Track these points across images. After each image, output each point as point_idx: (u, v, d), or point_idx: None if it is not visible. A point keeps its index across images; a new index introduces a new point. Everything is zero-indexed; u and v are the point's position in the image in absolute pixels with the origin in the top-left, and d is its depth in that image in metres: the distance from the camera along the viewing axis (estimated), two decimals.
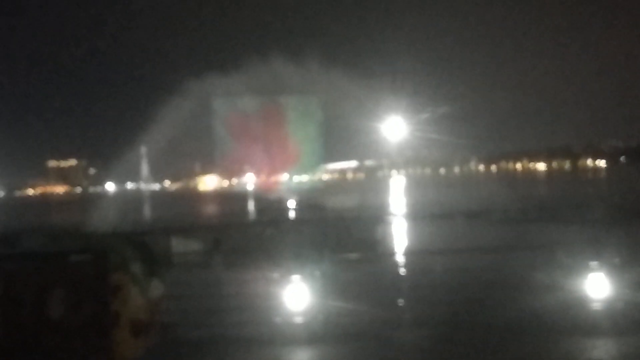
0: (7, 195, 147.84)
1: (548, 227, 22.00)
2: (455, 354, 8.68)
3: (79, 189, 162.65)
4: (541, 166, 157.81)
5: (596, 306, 10.18)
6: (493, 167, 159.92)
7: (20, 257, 5.83)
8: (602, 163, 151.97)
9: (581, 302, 10.21)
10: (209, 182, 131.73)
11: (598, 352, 8.55)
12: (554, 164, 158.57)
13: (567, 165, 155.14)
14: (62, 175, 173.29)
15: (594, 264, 10.73)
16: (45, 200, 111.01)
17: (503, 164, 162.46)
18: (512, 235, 20.78)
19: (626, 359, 8.34)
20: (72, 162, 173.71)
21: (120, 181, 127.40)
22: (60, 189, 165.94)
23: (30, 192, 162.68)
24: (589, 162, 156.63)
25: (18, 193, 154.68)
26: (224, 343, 9.57)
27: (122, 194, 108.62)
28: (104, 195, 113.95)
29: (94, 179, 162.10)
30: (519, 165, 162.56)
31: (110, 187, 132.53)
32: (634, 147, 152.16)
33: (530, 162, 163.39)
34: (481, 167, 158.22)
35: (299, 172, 58.13)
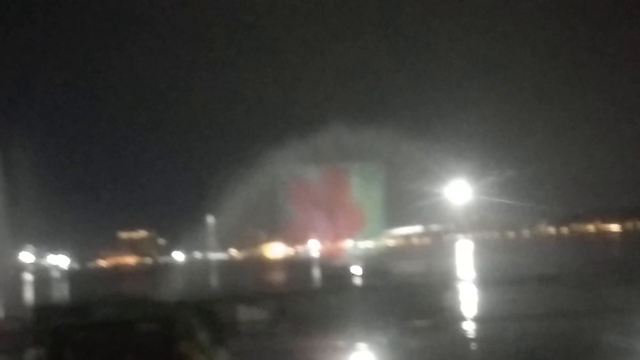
0: (80, 267, 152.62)
1: (623, 290, 20.97)
2: None
3: (148, 259, 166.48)
4: (615, 227, 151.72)
5: None
6: (564, 229, 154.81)
7: (91, 327, 5.95)
8: None
9: None
10: (275, 250, 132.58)
11: None
12: (628, 225, 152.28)
13: None
14: (133, 246, 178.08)
15: None
16: (116, 271, 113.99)
17: (574, 226, 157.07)
18: (585, 300, 19.89)
19: None
20: (142, 233, 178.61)
21: (188, 251, 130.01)
22: (130, 260, 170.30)
23: (102, 263, 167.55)
24: None
25: (90, 264, 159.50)
26: None
27: (189, 264, 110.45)
28: (173, 265, 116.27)
29: (163, 249, 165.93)
30: (591, 227, 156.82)
31: (178, 256, 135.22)
32: None
33: (603, 223, 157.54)
34: (552, 230, 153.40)
35: (364, 238, 57.88)
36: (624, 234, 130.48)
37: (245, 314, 18.60)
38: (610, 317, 14.81)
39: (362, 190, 49.84)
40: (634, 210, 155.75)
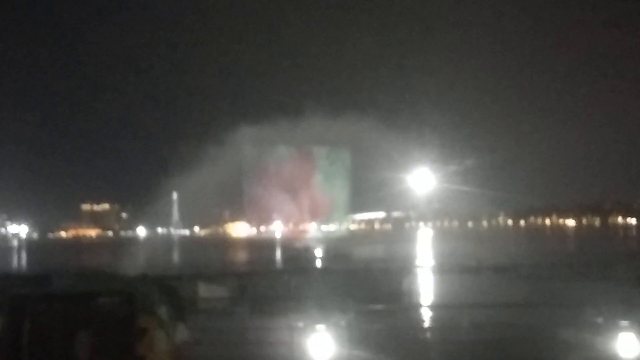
0: (41, 237, 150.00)
1: (576, 284, 21.61)
2: None
3: (110, 233, 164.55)
4: (571, 222, 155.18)
5: None
6: (522, 222, 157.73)
7: (49, 297, 5.96)
8: (632, 221, 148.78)
9: None
10: (238, 229, 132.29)
11: None
12: (584, 221, 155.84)
13: (597, 222, 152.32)
14: (95, 219, 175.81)
15: (623, 323, 10.52)
16: (77, 243, 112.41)
17: (532, 219, 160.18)
18: (539, 291, 20.43)
19: None
20: (105, 206, 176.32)
21: (151, 226, 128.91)
22: (92, 232, 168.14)
23: (63, 234, 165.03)
24: (619, 219, 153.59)
25: (51, 235, 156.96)
26: None
27: (152, 239, 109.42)
28: (135, 239, 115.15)
29: (125, 223, 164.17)
30: (548, 221, 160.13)
31: (141, 231, 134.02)
32: None
33: (559, 218, 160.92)
34: (510, 222, 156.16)
35: (327, 222, 58.20)
36: (579, 228, 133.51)
37: (206, 291, 18.68)
38: (560, 309, 15.27)
39: (327, 174, 49.99)
40: (589, 205, 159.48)
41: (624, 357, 10.08)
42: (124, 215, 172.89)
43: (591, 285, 20.63)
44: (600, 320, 11.25)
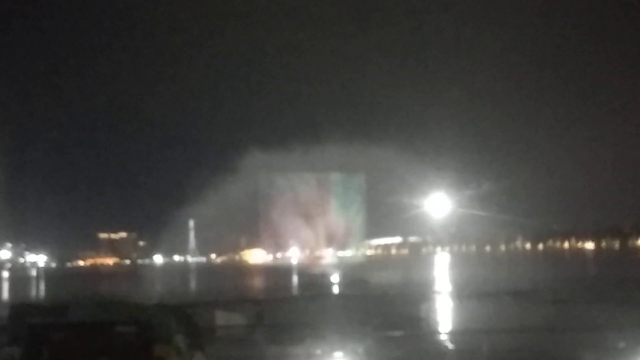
0: (59, 266, 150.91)
1: (597, 308, 21.28)
2: None
3: (128, 261, 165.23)
4: (589, 245, 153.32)
5: None
6: (540, 246, 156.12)
7: (67, 327, 6.00)
8: None
9: None
10: (255, 256, 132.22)
11: None
12: (603, 244, 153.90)
13: (616, 245, 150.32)
14: (112, 247, 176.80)
15: None
16: (95, 272, 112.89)
17: (550, 243, 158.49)
18: (559, 316, 20.16)
19: None
20: (122, 234, 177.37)
21: (167, 254, 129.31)
22: (110, 261, 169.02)
23: (81, 263, 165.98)
24: (639, 242, 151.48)
25: (69, 264, 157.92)
26: None
27: (169, 266, 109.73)
28: (152, 267, 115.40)
29: (143, 251, 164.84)
30: (566, 245, 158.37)
31: (158, 259, 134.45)
32: None
33: (578, 241, 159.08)
34: (528, 246, 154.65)
35: (343, 247, 58.05)
36: (598, 252, 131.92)
37: (223, 319, 18.64)
38: (581, 334, 15.07)
39: (343, 200, 50.00)
40: (608, 228, 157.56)
41: None
42: (141, 243, 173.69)
43: (612, 309, 20.32)
44: (622, 344, 11.09)
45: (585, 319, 18.88)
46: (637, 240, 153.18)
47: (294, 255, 71.49)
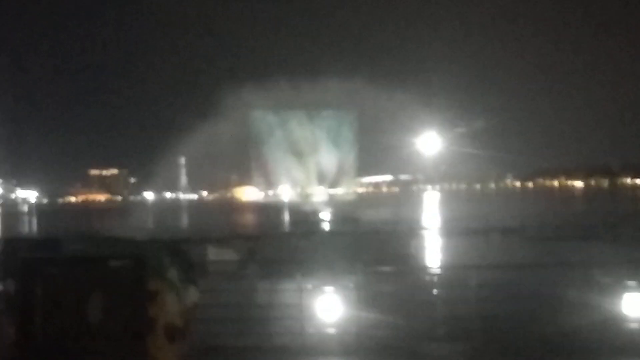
0: (50, 202, 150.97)
1: (584, 245, 21.67)
2: None
3: (119, 197, 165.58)
4: (579, 184, 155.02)
5: (630, 325, 10.03)
6: (529, 184, 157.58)
7: (60, 261, 6.03)
8: None
9: (615, 321, 10.07)
10: (246, 193, 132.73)
11: None
12: (592, 182, 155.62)
13: (605, 183, 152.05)
14: (103, 184, 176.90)
15: (630, 283, 10.57)
16: (87, 208, 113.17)
17: (540, 181, 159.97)
18: (546, 253, 20.51)
19: None
20: (113, 171, 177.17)
21: (159, 191, 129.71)
22: (101, 197, 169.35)
23: (72, 199, 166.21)
24: (628, 180, 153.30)
25: (60, 200, 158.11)
26: (257, 352, 9.71)
27: (160, 203, 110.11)
28: (144, 203, 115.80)
29: (133, 188, 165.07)
30: (556, 183, 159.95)
31: (149, 196, 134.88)
32: None
33: (567, 179, 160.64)
34: (517, 184, 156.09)
35: (335, 185, 58.34)
36: (587, 190, 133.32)
37: (215, 254, 18.86)
38: (567, 270, 15.34)
39: (335, 137, 49.85)
40: (597, 167, 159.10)
41: (629, 316, 10.15)
42: (132, 180, 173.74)
43: (599, 246, 20.71)
44: (607, 280, 11.30)
45: (572, 255, 19.23)
46: (626, 178, 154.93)
47: (285, 192, 71.85)
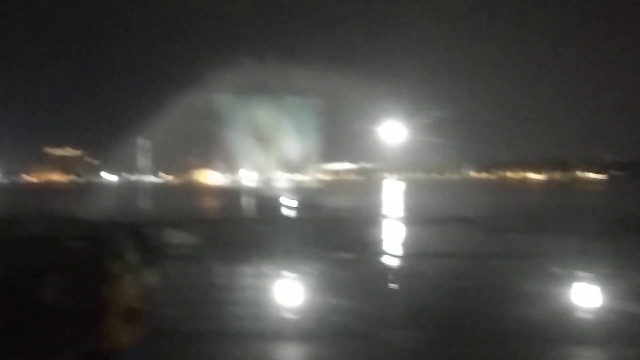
0: (6, 180, 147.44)
1: (537, 236, 22.18)
2: (442, 356, 8.88)
3: (78, 178, 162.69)
4: (535, 176, 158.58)
5: (581, 315, 10.35)
6: (487, 175, 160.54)
7: (14, 241, 5.94)
8: (595, 176, 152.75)
9: (567, 311, 10.37)
10: (208, 177, 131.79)
11: None
12: (548, 175, 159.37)
13: (561, 176, 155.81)
14: (60, 164, 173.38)
15: (580, 274, 10.90)
16: (43, 187, 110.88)
17: (497, 172, 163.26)
18: (501, 243, 20.94)
19: None
20: (70, 150, 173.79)
21: (117, 172, 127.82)
22: (57, 177, 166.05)
23: (28, 178, 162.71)
24: (583, 174, 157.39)
25: (16, 179, 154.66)
26: (214, 336, 9.72)
27: (119, 185, 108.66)
28: (103, 185, 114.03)
29: (93, 169, 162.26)
30: (512, 174, 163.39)
31: (107, 177, 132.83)
32: (629, 161, 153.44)
33: (524, 171, 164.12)
34: (475, 174, 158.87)
35: (297, 171, 58.31)
36: (543, 182, 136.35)
37: (174, 237, 18.73)
38: (520, 260, 15.74)
39: (299, 124, 49.83)
40: (553, 160, 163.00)
41: (579, 306, 10.46)
42: (89, 160, 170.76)
43: (551, 237, 21.20)
44: (558, 271, 11.63)
45: (525, 246, 19.68)
46: (581, 172, 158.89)
47: (247, 177, 71.52)
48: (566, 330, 9.58)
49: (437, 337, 9.54)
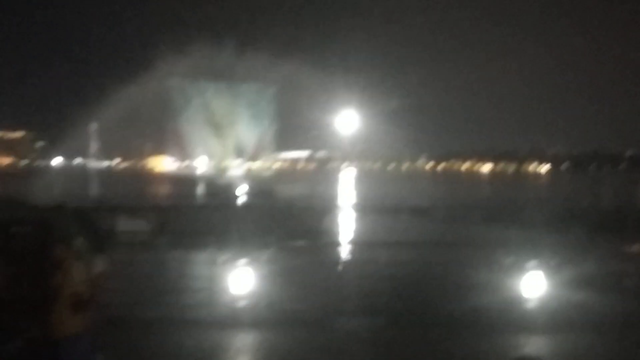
0: None
1: (487, 227, 22.67)
2: (390, 342, 9.04)
3: (25, 161, 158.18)
4: (486, 168, 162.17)
5: (527, 304, 10.65)
6: (440, 166, 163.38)
7: None
8: (544, 168, 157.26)
9: (513, 300, 10.65)
10: (161, 163, 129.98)
11: (529, 349, 9.00)
12: (500, 167, 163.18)
13: (511, 168, 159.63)
14: (7, 147, 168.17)
15: (529, 263, 11.18)
16: None
17: (450, 163, 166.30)
18: (452, 233, 21.33)
19: (553, 354, 8.80)
20: (19, 133, 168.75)
21: (68, 156, 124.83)
22: (4, 161, 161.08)
23: None
24: (533, 166, 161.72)
25: None
26: (164, 323, 9.66)
27: (69, 169, 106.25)
28: (51, 169, 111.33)
29: (41, 153, 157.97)
30: (465, 166, 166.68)
31: (57, 161, 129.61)
32: (577, 154, 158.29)
33: (477, 163, 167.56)
34: (429, 165, 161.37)
35: (252, 159, 58.09)
36: (494, 174, 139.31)
37: (125, 224, 18.47)
38: (470, 250, 16.06)
39: (254, 111, 49.57)
40: (505, 152, 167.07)
41: (528, 295, 10.75)
42: (39, 144, 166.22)
43: (501, 228, 21.69)
44: (507, 260, 11.91)
45: (476, 237, 20.10)
46: (531, 164, 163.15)
47: (201, 164, 70.85)
48: (505, 317, 9.87)
49: (381, 323, 9.72)
